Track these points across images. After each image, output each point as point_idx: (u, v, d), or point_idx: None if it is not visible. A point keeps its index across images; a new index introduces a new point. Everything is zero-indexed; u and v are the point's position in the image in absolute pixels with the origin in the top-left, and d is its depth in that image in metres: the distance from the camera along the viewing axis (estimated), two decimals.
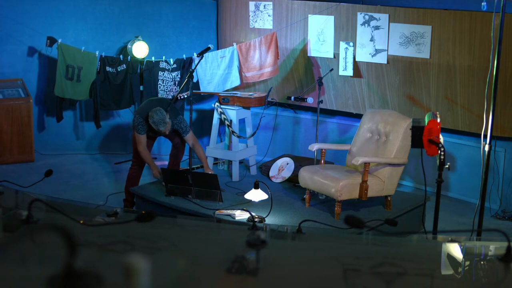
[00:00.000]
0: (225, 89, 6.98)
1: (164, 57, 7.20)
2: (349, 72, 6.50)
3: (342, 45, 6.49)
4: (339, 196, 4.81)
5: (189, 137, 5.59)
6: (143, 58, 7.17)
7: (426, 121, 3.77)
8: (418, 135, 3.76)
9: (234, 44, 7.00)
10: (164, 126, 5.31)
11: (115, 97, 7.25)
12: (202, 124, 7.58)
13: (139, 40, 7.14)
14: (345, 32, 6.47)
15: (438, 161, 3.69)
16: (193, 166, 6.38)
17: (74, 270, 1.20)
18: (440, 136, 3.77)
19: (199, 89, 6.98)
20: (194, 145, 5.62)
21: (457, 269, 1.87)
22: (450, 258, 2.00)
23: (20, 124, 6.98)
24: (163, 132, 5.38)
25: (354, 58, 6.43)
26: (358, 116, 6.25)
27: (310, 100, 6.31)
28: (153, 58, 7.19)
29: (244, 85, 7.15)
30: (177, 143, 5.77)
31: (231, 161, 6.26)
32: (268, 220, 4.82)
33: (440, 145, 3.67)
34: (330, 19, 6.52)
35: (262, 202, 5.01)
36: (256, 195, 4.96)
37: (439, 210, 3.86)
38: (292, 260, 1.86)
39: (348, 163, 5.37)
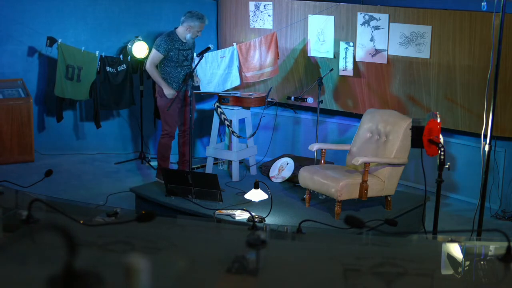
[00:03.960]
0: (225, 89, 6.97)
1: None
2: (349, 72, 6.50)
3: (342, 45, 6.49)
4: (339, 196, 4.82)
5: None
6: (143, 58, 7.16)
7: (426, 121, 3.77)
8: (418, 135, 3.76)
9: (234, 44, 7.00)
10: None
11: (115, 97, 7.25)
12: (202, 124, 7.58)
13: (139, 40, 7.13)
14: (345, 32, 6.47)
15: (438, 161, 3.69)
16: (193, 166, 6.39)
17: (74, 270, 1.20)
18: (440, 136, 3.77)
19: (199, 89, 6.98)
20: None
21: (457, 269, 1.87)
22: (450, 258, 2.00)
23: (20, 124, 6.98)
24: (198, 34, 5.91)
25: (354, 58, 6.43)
26: (358, 116, 6.25)
27: (310, 100, 6.31)
28: None
29: (244, 85, 7.15)
30: (184, 128, 6.05)
31: (231, 161, 6.26)
32: (268, 220, 4.82)
33: (440, 145, 3.67)
34: (330, 19, 6.52)
35: (262, 202, 5.02)
36: (256, 195, 4.96)
37: (439, 210, 3.86)
38: (292, 260, 1.86)
39: (348, 163, 5.37)
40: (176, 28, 5.94)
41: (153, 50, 5.86)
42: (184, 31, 5.88)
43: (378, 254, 1.94)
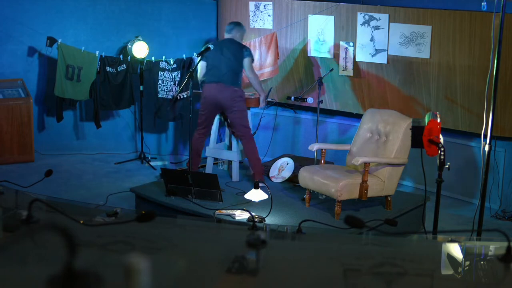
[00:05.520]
0: None
1: (164, 57, 7.20)
2: (349, 72, 6.50)
3: (342, 45, 6.49)
4: (339, 196, 4.81)
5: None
6: (143, 58, 7.16)
7: (426, 121, 3.77)
8: (418, 135, 3.76)
9: None
10: None
11: (115, 97, 7.25)
12: None
13: (139, 40, 7.13)
14: (345, 32, 6.47)
15: (438, 161, 3.69)
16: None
17: (74, 270, 1.20)
18: (440, 136, 3.77)
19: (199, 89, 6.97)
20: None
21: (457, 269, 1.87)
22: (450, 258, 2.00)
23: (20, 124, 6.98)
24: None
25: (354, 58, 6.43)
26: (358, 116, 6.25)
27: (310, 100, 6.31)
28: (153, 58, 7.19)
29: (244, 85, 7.14)
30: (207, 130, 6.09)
31: (231, 161, 6.26)
32: (268, 220, 4.82)
33: (440, 145, 3.67)
34: (330, 19, 6.52)
35: (262, 202, 5.01)
36: (256, 195, 4.96)
37: (439, 210, 3.86)
38: (292, 260, 1.86)
39: (348, 163, 5.37)
40: (227, 38, 6.05)
41: (249, 59, 5.91)
42: (234, 37, 6.04)
43: (378, 254, 1.94)
